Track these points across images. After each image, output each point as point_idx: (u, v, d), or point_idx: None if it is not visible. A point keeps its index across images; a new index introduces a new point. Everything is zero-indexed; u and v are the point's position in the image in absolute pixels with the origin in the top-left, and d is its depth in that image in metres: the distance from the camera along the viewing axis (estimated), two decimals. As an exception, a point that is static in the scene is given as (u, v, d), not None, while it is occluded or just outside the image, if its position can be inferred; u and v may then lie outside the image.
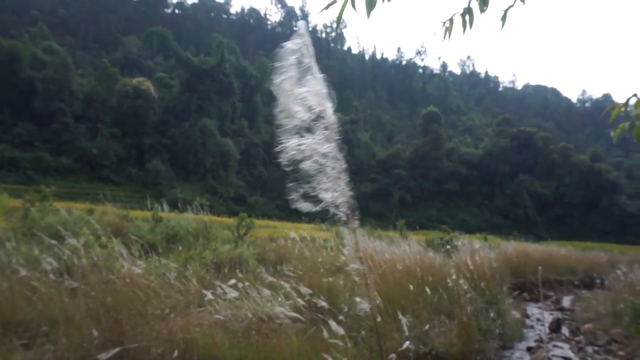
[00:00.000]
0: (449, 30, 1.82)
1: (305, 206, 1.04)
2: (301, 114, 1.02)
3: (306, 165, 1.03)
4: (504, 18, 1.79)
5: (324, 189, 1.06)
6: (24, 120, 51.83)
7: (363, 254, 7.19)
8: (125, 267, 4.34)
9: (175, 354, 3.46)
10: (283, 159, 1.03)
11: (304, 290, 4.58)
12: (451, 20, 1.82)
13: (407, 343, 3.44)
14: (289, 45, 1.01)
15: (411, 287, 5.94)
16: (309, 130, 1.03)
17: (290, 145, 1.01)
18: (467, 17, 1.78)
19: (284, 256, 9.22)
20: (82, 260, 4.47)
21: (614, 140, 1.96)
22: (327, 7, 1.70)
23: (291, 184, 1.05)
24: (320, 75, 1.04)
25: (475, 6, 1.78)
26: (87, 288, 4.11)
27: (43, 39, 67.26)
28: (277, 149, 1.05)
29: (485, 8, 1.74)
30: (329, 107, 1.03)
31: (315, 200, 1.04)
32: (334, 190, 1.06)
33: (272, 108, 1.00)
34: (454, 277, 6.64)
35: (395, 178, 69.17)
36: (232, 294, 4.28)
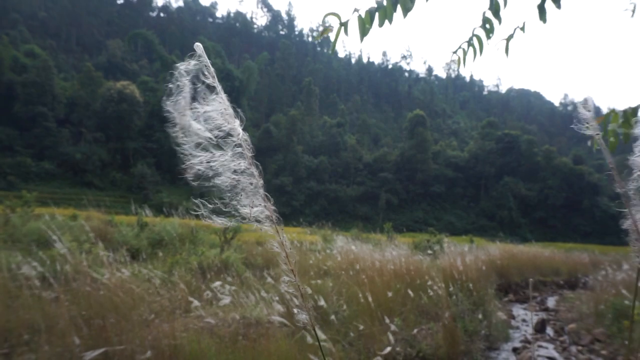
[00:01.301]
0: (463, 58, 1.94)
1: (218, 220, 1.06)
2: (203, 132, 1.04)
3: (219, 181, 1.06)
4: (507, 49, 1.91)
5: (241, 205, 1.08)
6: (5, 125, 50.81)
7: (350, 257, 7.18)
8: (109, 273, 4.28)
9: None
10: (189, 175, 1.05)
11: (292, 292, 4.56)
12: (464, 49, 1.94)
13: (389, 349, 3.44)
14: (183, 67, 1.04)
15: (400, 289, 5.97)
16: (219, 147, 1.06)
17: (197, 162, 1.03)
18: (476, 44, 1.88)
19: (270, 260, 9.18)
20: (65, 266, 4.39)
21: (594, 149, 2.06)
22: (321, 35, 1.77)
23: (198, 200, 1.07)
24: (224, 95, 1.07)
25: (481, 34, 1.88)
26: (70, 295, 4.04)
27: (24, 42, 66.12)
28: (183, 166, 1.07)
29: (491, 35, 1.84)
30: (237, 125, 1.05)
31: (232, 214, 1.07)
32: (252, 206, 1.09)
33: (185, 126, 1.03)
34: (440, 280, 6.69)
35: (381, 181, 69.46)
36: (225, 300, 4.24)
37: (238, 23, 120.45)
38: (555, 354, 6.47)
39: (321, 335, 2.94)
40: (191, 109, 1.07)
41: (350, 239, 12.30)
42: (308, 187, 66.44)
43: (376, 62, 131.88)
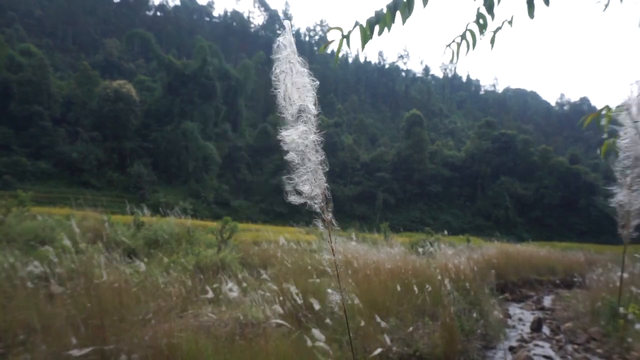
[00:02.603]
0: (457, 52, 1.95)
1: (297, 199, 1.10)
2: (299, 101, 1.09)
3: (290, 157, 1.10)
4: (492, 40, 1.93)
5: (303, 182, 1.12)
6: (0, 124, 50.56)
7: (347, 256, 7.19)
8: (106, 272, 4.26)
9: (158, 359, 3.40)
10: (285, 148, 1.10)
11: (292, 290, 4.57)
12: (458, 43, 1.96)
13: (379, 350, 3.45)
14: (282, 39, 1.12)
15: (397, 288, 5.98)
16: (294, 122, 1.10)
17: (287, 135, 1.08)
18: (470, 38, 1.89)
19: (268, 260, 9.18)
20: (60, 266, 4.38)
21: (602, 156, 2.14)
22: (325, 47, 1.83)
23: (286, 177, 1.11)
24: (305, 71, 1.15)
25: (475, 29, 1.91)
26: (66, 294, 4.02)
27: (19, 41, 65.80)
28: (279, 138, 1.11)
29: (484, 31, 1.87)
30: (310, 102, 1.11)
31: (297, 193, 1.10)
32: (312, 183, 1.13)
33: (271, 98, 1.08)
34: (438, 278, 6.70)
35: (378, 181, 69.54)
36: (234, 293, 4.24)
37: (235, 22, 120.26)
38: (551, 353, 6.49)
39: (320, 336, 2.95)
40: (291, 78, 1.07)
41: (347, 238, 12.31)
42: (305, 186, 66.42)
43: (373, 62, 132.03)
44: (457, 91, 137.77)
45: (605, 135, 1.93)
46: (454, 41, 1.98)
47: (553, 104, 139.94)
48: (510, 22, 1.90)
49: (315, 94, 1.12)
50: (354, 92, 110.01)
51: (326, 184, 1.15)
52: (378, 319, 4.45)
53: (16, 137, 50.96)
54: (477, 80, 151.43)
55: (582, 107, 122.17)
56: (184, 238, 10.19)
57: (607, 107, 2.03)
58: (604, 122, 1.97)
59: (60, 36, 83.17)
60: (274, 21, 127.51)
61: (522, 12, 1.79)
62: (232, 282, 5.20)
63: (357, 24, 1.72)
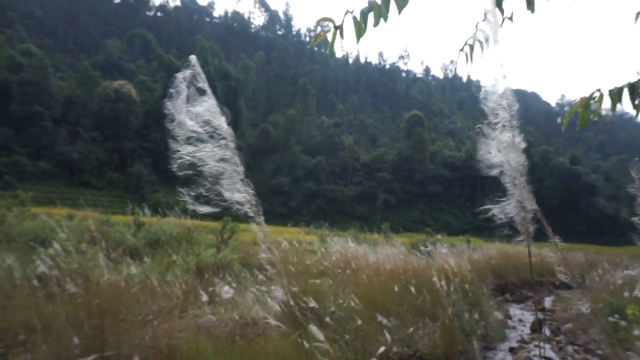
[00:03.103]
0: (470, 54, 1.92)
1: (204, 209, 1.22)
2: (194, 127, 1.21)
3: (206, 170, 1.21)
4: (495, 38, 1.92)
5: (226, 189, 1.23)
6: (1, 124, 50.60)
7: (347, 257, 7.17)
8: (106, 273, 4.27)
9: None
10: (175, 165, 1.21)
11: (292, 291, 4.56)
12: (470, 46, 1.93)
13: (383, 349, 3.45)
14: (180, 75, 1.26)
15: (395, 289, 5.97)
16: (206, 140, 1.24)
17: (185, 153, 1.19)
18: (482, 38, 1.90)
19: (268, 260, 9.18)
20: (60, 266, 4.38)
21: (563, 128, 2.13)
22: (316, 40, 1.81)
23: (184, 188, 1.23)
24: (213, 96, 1.29)
25: (485, 27, 1.89)
26: (66, 295, 4.02)
27: (20, 41, 65.85)
28: (171, 157, 1.22)
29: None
30: (222, 121, 1.24)
31: (215, 202, 1.23)
32: (237, 190, 1.23)
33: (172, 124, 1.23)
34: (436, 279, 6.69)
35: (379, 181, 69.54)
36: (228, 295, 4.25)
37: (235, 23, 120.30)
38: (551, 354, 6.49)
39: (319, 335, 2.95)
40: (186, 108, 1.23)
41: (348, 239, 12.31)
42: (306, 187, 66.44)
43: (373, 63, 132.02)
44: (457, 91, 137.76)
45: (596, 118, 1.92)
46: (466, 44, 1.96)
47: (553, 104, 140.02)
48: (510, 18, 1.87)
49: (226, 115, 1.30)
50: (354, 92, 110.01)
51: (252, 191, 1.29)
52: (379, 318, 4.45)
53: (17, 138, 50.99)
54: (478, 81, 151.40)
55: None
56: (184, 238, 10.19)
57: (599, 91, 2.02)
58: (594, 106, 1.96)
59: (60, 36, 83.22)
60: (274, 21, 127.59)
61: (522, 7, 1.77)
62: (227, 285, 5.21)
63: (347, 12, 1.68)
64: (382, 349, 3.43)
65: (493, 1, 1.79)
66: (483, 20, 1.86)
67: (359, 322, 4.72)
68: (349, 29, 1.71)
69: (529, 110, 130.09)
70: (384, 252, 8.76)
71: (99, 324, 3.63)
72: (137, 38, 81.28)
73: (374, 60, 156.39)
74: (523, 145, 1.22)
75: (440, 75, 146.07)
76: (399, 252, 9.17)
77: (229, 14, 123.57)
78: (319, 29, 1.73)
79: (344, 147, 74.19)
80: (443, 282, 6.27)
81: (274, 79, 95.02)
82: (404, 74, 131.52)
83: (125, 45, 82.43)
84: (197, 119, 1.24)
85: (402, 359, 4.96)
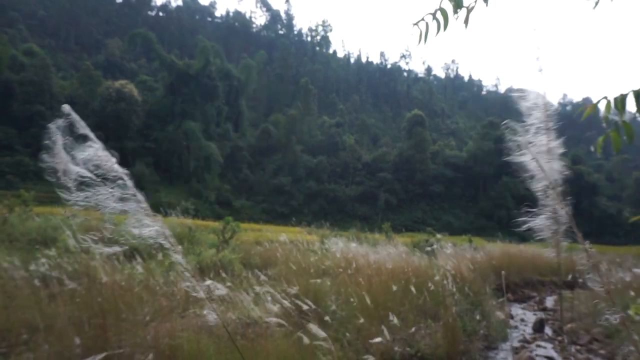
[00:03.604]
0: (425, 33, 1.78)
1: (111, 250, 1.27)
2: (85, 173, 1.20)
3: (107, 212, 1.21)
4: (466, 20, 1.75)
5: (133, 227, 1.25)
6: (3, 124, 50.70)
7: (349, 257, 7.14)
8: (108, 272, 4.27)
9: (160, 359, 3.41)
10: (69, 215, 1.23)
11: (292, 291, 4.57)
12: (426, 22, 1.76)
13: (379, 339, 3.44)
14: (53, 125, 1.25)
15: (398, 289, 5.97)
16: (100, 184, 1.23)
17: (80, 199, 1.19)
18: (441, 18, 1.74)
19: (269, 260, 9.18)
20: (63, 266, 4.39)
21: (598, 153, 2.00)
22: (416, 23, 1.70)
23: (85, 234, 1.27)
24: (98, 141, 1.28)
25: (448, 7, 1.73)
26: (68, 294, 4.03)
27: (22, 41, 66.01)
28: (66, 203, 1.23)
29: (458, 10, 1.70)
30: (114, 162, 1.24)
31: (123, 240, 1.29)
32: (145, 226, 1.27)
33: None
34: (438, 278, 6.69)
35: (380, 181, 69.49)
36: (221, 291, 4.23)
37: (237, 22, 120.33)
38: (553, 354, 6.48)
39: (320, 334, 2.94)
40: (69, 155, 1.23)
41: (349, 238, 12.31)
42: (307, 186, 66.43)
43: (375, 62, 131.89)
44: (459, 91, 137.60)
45: (604, 124, 1.83)
46: (422, 19, 1.80)
47: (555, 104, 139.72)
48: (485, 0, 1.75)
49: (115, 156, 1.31)
50: (355, 92, 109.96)
51: (160, 224, 1.37)
52: (390, 317, 4.45)
53: (19, 137, 51.08)
54: (479, 80, 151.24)
55: (585, 108, 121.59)
56: (186, 238, 10.21)
57: (606, 99, 1.93)
58: (602, 114, 1.87)
59: (62, 36, 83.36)
60: (276, 21, 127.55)
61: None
62: (221, 283, 5.21)
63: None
64: (377, 339, 3.42)
65: None
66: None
67: (361, 321, 4.72)
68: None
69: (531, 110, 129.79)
70: (385, 252, 8.76)
71: (101, 324, 3.63)
72: (139, 38, 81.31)
73: (376, 59, 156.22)
74: (560, 150, 1.15)
75: (442, 75, 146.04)
76: (400, 252, 9.16)
77: (231, 14, 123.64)
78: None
79: (345, 146, 74.16)
80: (445, 282, 6.26)
81: (276, 78, 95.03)
82: (405, 74, 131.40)
83: (126, 45, 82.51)
84: (87, 164, 1.25)
85: (404, 358, 4.96)
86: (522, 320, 8.82)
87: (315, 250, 9.65)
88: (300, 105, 79.54)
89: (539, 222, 1.21)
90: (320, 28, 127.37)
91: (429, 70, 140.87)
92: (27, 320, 3.97)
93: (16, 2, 78.66)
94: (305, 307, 3.85)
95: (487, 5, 1.70)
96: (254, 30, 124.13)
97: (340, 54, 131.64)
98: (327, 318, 4.61)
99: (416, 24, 1.77)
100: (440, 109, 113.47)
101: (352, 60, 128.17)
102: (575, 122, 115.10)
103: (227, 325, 4.35)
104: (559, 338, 7.43)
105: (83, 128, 1.18)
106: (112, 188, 1.23)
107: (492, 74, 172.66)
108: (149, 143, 59.48)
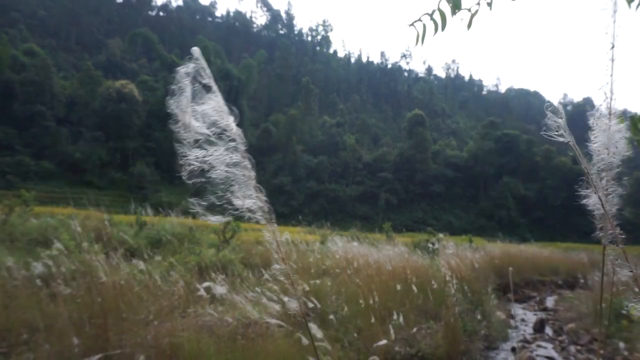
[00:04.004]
0: (422, 34, 1.75)
1: (215, 218, 1.14)
2: (202, 129, 1.12)
3: (214, 175, 1.13)
4: (469, 24, 1.72)
5: (236, 197, 1.15)
6: (3, 124, 50.74)
7: (349, 257, 7.15)
8: (108, 272, 4.27)
9: (161, 359, 3.41)
10: (184, 172, 1.13)
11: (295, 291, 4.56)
12: (423, 24, 1.72)
13: (385, 341, 3.44)
14: (183, 69, 1.13)
15: (398, 288, 5.96)
16: (213, 143, 1.15)
17: (193, 158, 1.12)
18: (438, 19, 1.70)
19: (269, 260, 9.16)
20: (63, 266, 4.39)
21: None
22: (412, 23, 1.67)
23: (193, 198, 1.15)
24: (220, 94, 1.17)
25: (446, 8, 1.69)
26: (68, 294, 4.03)
27: (23, 41, 66.01)
28: (179, 162, 1.15)
29: (457, 10, 1.67)
30: (231, 121, 1.14)
31: (225, 209, 1.16)
32: (248, 197, 1.16)
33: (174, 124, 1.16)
34: (439, 279, 6.69)
35: (381, 181, 69.48)
36: (221, 290, 4.24)
37: (237, 22, 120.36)
38: (554, 354, 6.47)
39: (318, 334, 2.94)
40: (191, 107, 1.14)
41: (350, 238, 12.30)
42: (307, 186, 66.44)
43: (375, 62, 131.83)
44: (459, 91, 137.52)
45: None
46: (419, 20, 1.77)
47: (556, 103, 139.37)
48: (489, 4, 1.71)
49: (233, 113, 1.20)
50: (356, 92, 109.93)
51: (265, 197, 1.21)
52: (384, 316, 4.45)
53: (19, 137, 51.12)
54: (480, 80, 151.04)
55: (586, 108, 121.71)
56: (186, 238, 10.20)
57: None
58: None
59: (63, 36, 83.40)
60: (276, 21, 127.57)
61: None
62: (219, 283, 5.22)
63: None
64: (383, 342, 3.42)
65: None
66: (445, 0, 1.69)
67: (363, 322, 4.72)
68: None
69: (531, 109, 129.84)
70: (386, 252, 8.76)
71: (102, 323, 3.63)
72: (140, 38, 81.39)
73: (376, 59, 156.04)
74: (625, 133, 1.08)
75: (443, 75, 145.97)
76: (401, 252, 9.15)
77: (231, 14, 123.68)
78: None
79: (346, 146, 74.14)
80: (446, 281, 6.26)
81: (276, 78, 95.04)
82: (406, 74, 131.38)
83: (127, 45, 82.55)
84: (204, 119, 1.17)
85: (405, 358, 4.95)
86: (523, 320, 8.82)
87: (315, 250, 9.64)
88: (301, 105, 79.55)
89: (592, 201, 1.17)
90: (320, 28, 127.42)
91: (429, 70, 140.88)
92: (27, 320, 3.97)
93: (17, 2, 78.71)
94: (309, 306, 3.86)
95: (490, 9, 1.67)
96: (255, 30, 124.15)
97: (340, 54, 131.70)
98: (331, 317, 4.62)
99: (412, 24, 1.73)
100: (440, 109, 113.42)
101: (352, 60, 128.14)
102: (575, 122, 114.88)
103: (228, 325, 4.35)
104: (560, 338, 7.42)
105: (208, 77, 1.14)
106: (224, 150, 1.13)
107: (493, 73, 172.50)
108: (150, 143, 59.51)
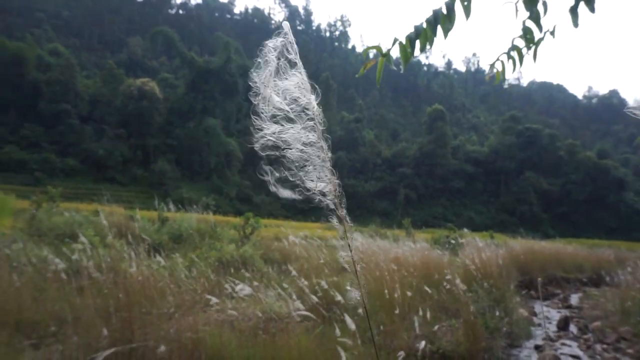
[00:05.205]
0: (502, 71, 1.85)
1: (286, 193, 1.09)
2: (282, 105, 1.07)
3: (289, 154, 1.08)
4: (535, 54, 1.81)
5: (309, 178, 1.10)
6: (30, 122, 52.17)
7: (368, 253, 7.14)
8: (132, 267, 4.36)
9: (184, 353, 3.46)
10: (258, 145, 1.08)
11: (314, 287, 4.58)
12: (502, 62, 1.87)
13: (423, 343, 3.42)
14: (270, 43, 1.09)
15: (418, 285, 5.92)
16: (292, 120, 1.10)
17: (269, 133, 1.06)
18: (516, 56, 1.79)
19: (288, 256, 9.21)
20: (89, 260, 4.49)
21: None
22: (365, 68, 1.79)
23: (268, 167, 1.10)
24: (303, 71, 1.12)
25: (521, 44, 1.81)
26: (94, 288, 4.13)
27: (48, 41, 67.63)
28: (254, 136, 1.10)
29: (531, 45, 1.75)
30: (312, 100, 1.10)
31: (300, 189, 1.11)
32: (320, 179, 1.11)
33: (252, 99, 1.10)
34: (460, 275, 6.61)
35: (400, 176, 69.00)
36: (245, 290, 4.28)
37: (256, 19, 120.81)
38: (579, 352, 6.34)
39: (350, 325, 2.93)
40: (273, 81, 1.10)
41: (370, 234, 12.27)
42: (326, 182, 66.40)
43: (394, 56, 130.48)
44: (480, 85, 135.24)
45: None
46: (498, 59, 1.87)
47: (580, 97, 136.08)
48: (552, 33, 1.76)
49: (315, 92, 1.14)
50: (374, 87, 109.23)
51: (337, 180, 1.14)
52: (405, 312, 4.43)
53: (46, 135, 52.49)
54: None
55: (612, 100, 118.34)
56: (208, 233, 10.33)
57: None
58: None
59: (86, 36, 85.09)
60: (294, 17, 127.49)
61: (566, 20, 1.65)
62: (244, 282, 5.27)
63: (395, 41, 1.65)
64: (422, 343, 3.41)
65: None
66: (519, 37, 1.77)
67: (384, 318, 4.71)
68: (395, 52, 1.70)
69: (554, 103, 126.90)
70: (406, 248, 8.70)
71: (127, 317, 3.71)
72: (160, 36, 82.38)
73: (395, 54, 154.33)
74: None
75: (463, 69, 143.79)
76: (421, 248, 9.09)
77: (250, 10, 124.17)
78: (370, 53, 1.72)
79: (365, 142, 73.82)
80: (458, 281, 6.19)
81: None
82: (425, 68, 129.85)
83: (148, 43, 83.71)
84: (285, 94, 1.13)
85: (425, 355, 4.92)
86: (546, 318, 8.65)
87: (334, 246, 9.64)
88: (320, 100, 79.34)
89: None
90: (338, 23, 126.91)
91: (449, 64, 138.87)
92: (55, 313, 4.09)
93: (42, 3, 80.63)
94: (324, 300, 3.87)
95: (554, 37, 1.75)
96: (273, 26, 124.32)
97: (359, 49, 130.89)
98: (359, 310, 4.61)
99: (493, 64, 1.89)
100: (460, 103, 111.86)
101: (371, 55, 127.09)
102: (601, 116, 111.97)
103: (249, 320, 4.39)
104: (585, 336, 7.27)
105: (294, 52, 1.11)
106: (302, 129, 1.10)
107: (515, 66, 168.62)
108: (171, 140, 60.36)
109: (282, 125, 1.11)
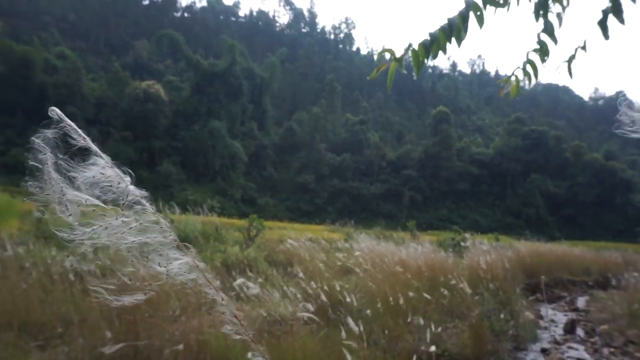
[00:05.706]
0: (516, 86, 1.84)
1: (127, 299, 0.91)
2: (91, 200, 0.85)
3: (125, 246, 0.87)
4: (569, 71, 1.77)
5: (156, 264, 0.93)
6: (38, 125, 52.46)
7: (373, 255, 7.11)
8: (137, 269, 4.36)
9: (189, 355, 3.47)
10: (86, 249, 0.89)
11: (317, 291, 4.58)
12: (516, 76, 1.85)
13: (434, 348, 3.40)
14: (39, 139, 0.86)
15: (423, 287, 5.91)
16: (109, 214, 0.85)
17: (87, 235, 0.85)
18: (530, 70, 1.78)
19: (292, 258, 9.21)
20: (95, 262, 4.52)
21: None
22: (377, 71, 1.77)
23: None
24: (104, 155, 0.88)
25: (535, 58, 1.81)
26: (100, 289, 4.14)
27: (54, 44, 68.20)
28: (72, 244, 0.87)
29: (546, 58, 1.73)
30: (128, 183, 0.88)
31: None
32: (173, 259, 0.93)
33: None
34: (465, 278, 6.58)
35: (405, 178, 68.84)
36: (254, 290, 4.28)
37: (260, 22, 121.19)
38: (586, 356, 6.29)
39: (355, 329, 2.92)
40: (65, 179, 0.86)
41: (374, 237, 12.24)
42: (331, 184, 66.45)
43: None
44: (485, 87, 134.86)
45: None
46: (513, 74, 1.85)
47: (586, 98, 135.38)
48: (584, 48, 1.73)
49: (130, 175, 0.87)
50: (379, 89, 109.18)
51: (194, 254, 0.96)
52: (409, 315, 4.41)
53: (52, 138, 52.82)
54: (506, 76, 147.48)
55: (618, 102, 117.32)
56: (212, 235, 10.36)
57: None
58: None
59: (92, 39, 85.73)
60: (299, 20, 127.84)
61: (592, 31, 1.63)
62: (251, 282, 5.27)
63: (409, 47, 1.63)
64: (433, 347, 3.39)
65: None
66: (534, 50, 1.75)
67: (388, 321, 4.69)
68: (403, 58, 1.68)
69: (560, 104, 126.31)
70: (411, 251, 8.68)
71: (132, 319, 3.72)
72: (165, 39, 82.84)
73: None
74: None
75: (468, 71, 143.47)
76: (426, 251, 9.06)
77: (254, 13, 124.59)
78: (381, 57, 1.70)
79: (370, 144, 73.74)
80: (463, 284, 6.16)
81: (299, 76, 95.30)
82: (430, 70, 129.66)
83: (153, 46, 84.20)
84: (92, 188, 0.91)
85: (430, 358, 4.90)
86: (552, 321, 8.60)
87: (340, 249, 9.64)
88: (324, 103, 79.55)
89: None
90: (343, 26, 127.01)
91: (454, 66, 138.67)
92: (62, 314, 4.11)
93: (48, 7, 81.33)
94: (329, 303, 3.86)
95: (585, 51, 1.73)
96: (278, 28, 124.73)
97: (363, 51, 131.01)
98: (365, 312, 4.60)
99: (507, 80, 1.87)
100: (465, 106, 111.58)
101: (375, 57, 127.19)
102: (608, 117, 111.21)
103: (254, 323, 4.39)
104: (592, 340, 7.21)
105: (82, 137, 0.90)
106: (127, 217, 0.90)
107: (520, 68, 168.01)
108: (176, 142, 60.64)
109: (102, 221, 0.88)
